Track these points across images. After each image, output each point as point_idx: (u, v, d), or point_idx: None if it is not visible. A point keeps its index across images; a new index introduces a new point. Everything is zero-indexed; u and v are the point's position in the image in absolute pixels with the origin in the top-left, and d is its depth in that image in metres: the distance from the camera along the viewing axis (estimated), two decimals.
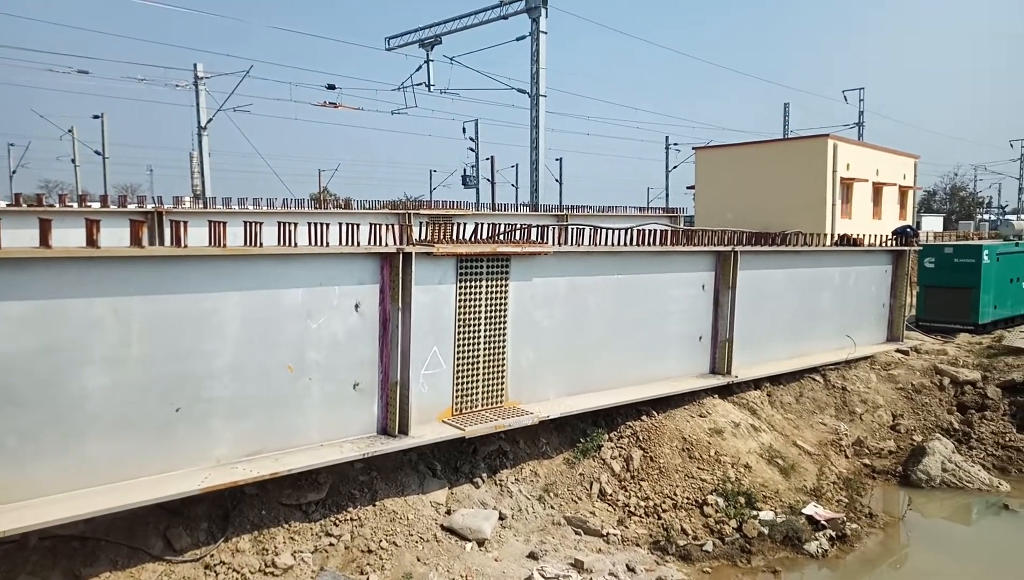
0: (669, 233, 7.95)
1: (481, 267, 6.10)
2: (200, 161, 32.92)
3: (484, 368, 6.24)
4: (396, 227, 5.84)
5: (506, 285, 6.29)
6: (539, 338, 6.61)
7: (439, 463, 6.27)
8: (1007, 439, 9.05)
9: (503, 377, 6.37)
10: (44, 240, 4.27)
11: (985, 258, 13.22)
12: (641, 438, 7.15)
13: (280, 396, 5.14)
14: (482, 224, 6.91)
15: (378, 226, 5.75)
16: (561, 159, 59.88)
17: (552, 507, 6.40)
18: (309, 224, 5.44)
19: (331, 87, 30.45)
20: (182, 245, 4.72)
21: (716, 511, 6.57)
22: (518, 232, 7.06)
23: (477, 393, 6.23)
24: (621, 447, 7.08)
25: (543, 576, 5.35)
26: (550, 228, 7.00)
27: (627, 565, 5.70)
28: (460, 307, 6.02)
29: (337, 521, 5.45)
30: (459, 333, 6.03)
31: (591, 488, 6.69)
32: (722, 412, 7.88)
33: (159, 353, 4.60)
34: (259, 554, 5.06)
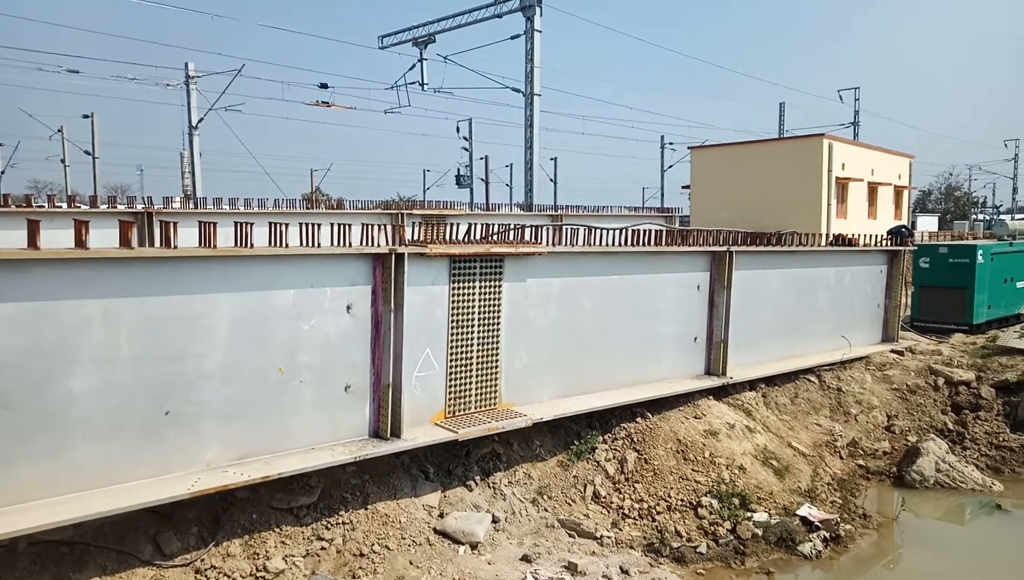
0: (664, 233, 7.92)
1: (474, 268, 6.07)
2: (191, 161, 32.79)
3: (477, 370, 6.20)
4: (388, 227, 5.79)
5: (500, 286, 6.25)
6: (533, 339, 6.58)
7: (432, 466, 6.23)
8: (1001, 439, 9.07)
9: (496, 379, 6.34)
10: (32, 241, 4.22)
11: (980, 258, 13.24)
12: (635, 440, 7.12)
13: (271, 398, 5.10)
14: (475, 224, 6.88)
15: (370, 226, 5.70)
16: (556, 159, 59.98)
17: (546, 509, 6.37)
18: (300, 224, 5.39)
19: (324, 86, 30.42)
20: (172, 246, 4.67)
21: (710, 513, 6.55)
22: (512, 232, 7.03)
23: (470, 395, 6.19)
24: (615, 449, 7.05)
25: (536, 579, 5.32)
26: (544, 228, 6.97)
27: (621, 567, 5.67)
28: (453, 308, 5.98)
29: (329, 525, 5.41)
30: (452, 335, 6.00)
31: (585, 490, 6.67)
32: (717, 413, 7.86)
33: (149, 355, 4.55)
34: (250, 558, 5.02)
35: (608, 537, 6.15)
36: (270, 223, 5.19)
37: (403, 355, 5.63)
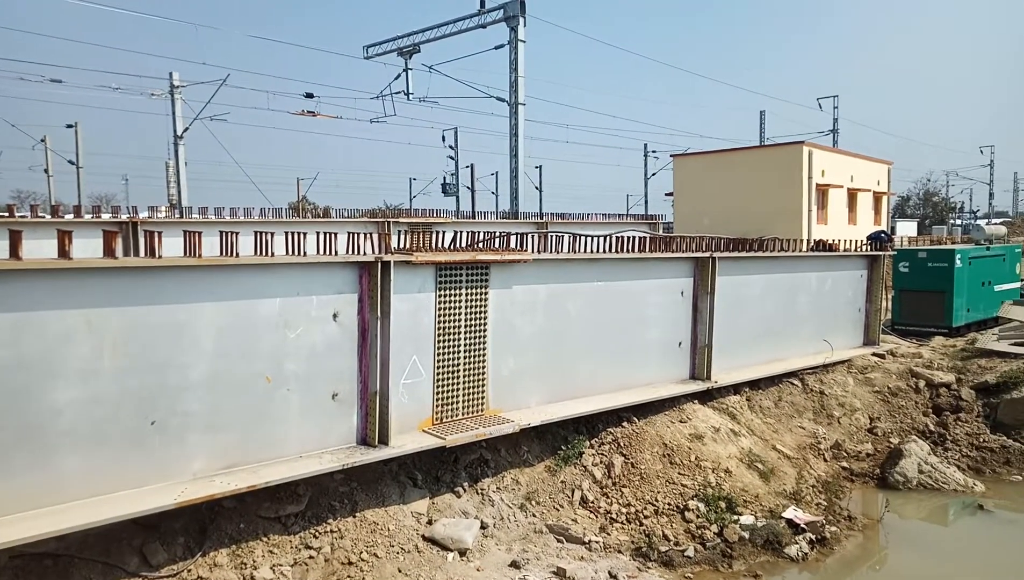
0: (648, 240, 7.99)
1: (461, 275, 6.09)
2: (176, 170, 32.60)
3: (464, 377, 6.22)
4: (375, 236, 5.81)
5: (486, 293, 6.28)
6: (519, 346, 6.61)
7: (420, 473, 6.23)
8: (981, 440, 9.20)
9: (484, 385, 6.35)
10: (15, 252, 4.19)
11: (958, 262, 13.47)
12: (622, 444, 7.16)
13: (258, 407, 5.08)
14: (462, 232, 6.91)
15: (357, 235, 5.72)
16: (541, 167, 60.28)
17: (534, 515, 6.38)
18: (286, 233, 5.40)
19: (309, 96, 30.37)
20: (156, 255, 4.66)
21: (697, 516, 6.59)
22: (498, 240, 7.06)
23: (458, 402, 6.20)
24: (602, 454, 7.08)
25: None
26: (530, 236, 7.01)
27: (609, 572, 5.69)
28: (440, 316, 6.00)
29: (317, 533, 5.39)
30: (439, 342, 6.01)
31: (573, 495, 6.69)
32: (702, 417, 7.92)
33: (134, 365, 4.53)
34: (237, 568, 4.99)
35: (596, 542, 6.18)
36: (256, 232, 5.19)
37: (390, 362, 5.64)
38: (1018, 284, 16.08)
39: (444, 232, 6.84)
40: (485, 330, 6.30)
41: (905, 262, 14.02)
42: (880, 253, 10.87)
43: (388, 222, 13.51)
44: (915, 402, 10.11)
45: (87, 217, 11.38)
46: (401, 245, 6.15)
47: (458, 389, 6.19)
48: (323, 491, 5.63)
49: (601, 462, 7.01)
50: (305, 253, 5.34)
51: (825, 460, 8.57)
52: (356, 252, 5.59)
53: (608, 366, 7.40)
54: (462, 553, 5.68)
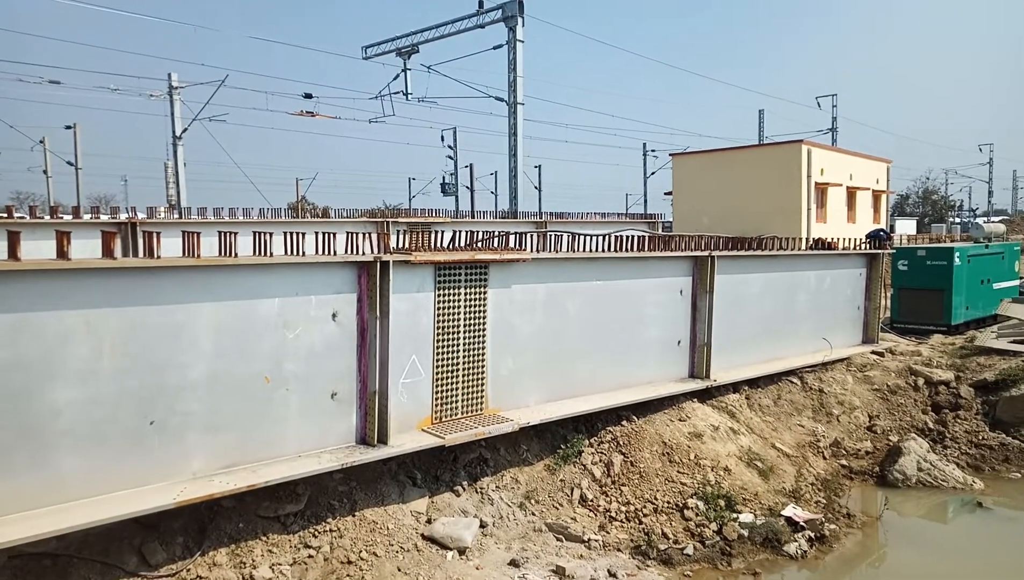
0: (647, 239, 8.00)
1: (459, 275, 6.10)
2: (175, 171, 32.61)
3: (464, 376, 6.22)
4: (374, 235, 5.81)
5: (485, 292, 6.29)
6: (518, 345, 6.61)
7: (419, 472, 6.23)
8: (980, 438, 9.21)
9: (483, 384, 6.36)
10: (13, 252, 4.20)
11: (956, 260, 13.46)
12: (621, 443, 7.17)
13: (257, 407, 5.08)
14: (461, 232, 6.92)
15: (355, 235, 5.72)
16: (540, 166, 60.29)
17: (533, 514, 6.39)
18: (285, 233, 5.40)
19: (308, 96, 30.38)
20: (155, 256, 4.67)
21: (696, 514, 6.60)
22: (497, 239, 7.07)
23: (457, 401, 6.21)
24: (602, 452, 7.09)
25: None
26: (529, 235, 7.02)
27: (609, 570, 5.70)
28: (439, 315, 6.00)
29: (316, 532, 5.40)
30: (438, 341, 6.02)
31: (572, 494, 6.69)
32: (701, 416, 7.93)
33: (132, 366, 4.53)
34: (236, 568, 4.99)
35: (596, 540, 6.18)
36: (254, 232, 5.19)
37: (389, 362, 5.64)
38: (1017, 282, 16.08)
39: (443, 232, 6.85)
40: (484, 329, 6.30)
41: (904, 260, 14.02)
42: (879, 251, 10.88)
43: (387, 222, 13.51)
44: (914, 400, 10.12)
45: (86, 218, 11.39)
46: (400, 245, 6.15)
47: (457, 388, 6.19)
48: (322, 490, 5.63)
49: (600, 461, 7.01)
50: (304, 253, 5.34)
51: (824, 458, 8.58)
52: (355, 252, 5.59)
53: (607, 365, 7.40)
54: (461, 552, 5.69)
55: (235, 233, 5.19)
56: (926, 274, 13.67)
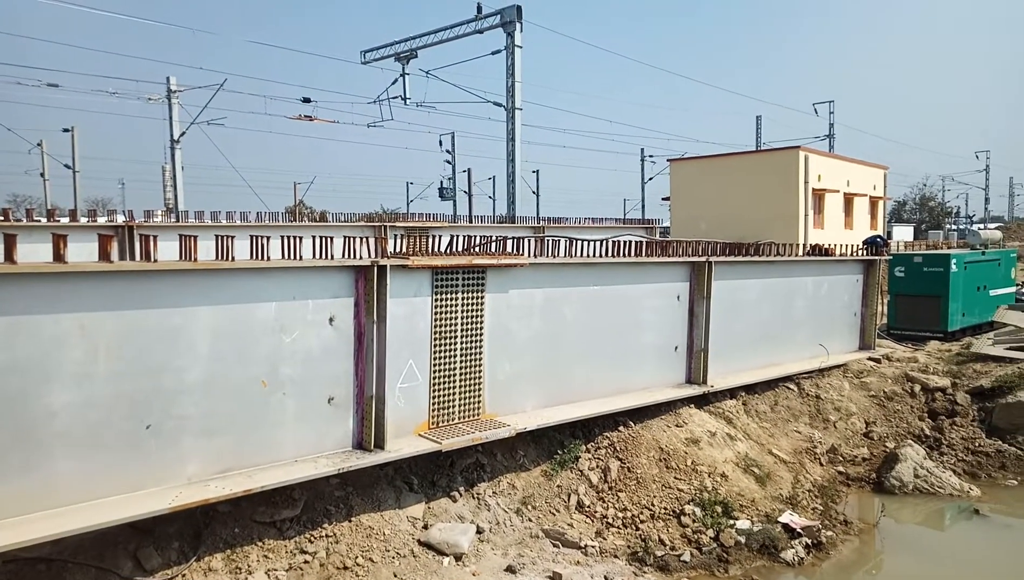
0: (644, 244, 8.00)
1: (457, 279, 6.09)
2: (173, 174, 32.58)
3: (461, 381, 6.22)
4: (371, 240, 5.81)
5: (482, 297, 6.28)
6: (516, 350, 6.61)
7: (416, 477, 6.22)
8: (977, 444, 9.21)
9: (480, 389, 6.35)
10: (9, 255, 4.19)
11: (953, 267, 13.51)
12: (618, 449, 7.16)
13: (253, 412, 5.07)
14: (458, 236, 6.91)
15: (353, 239, 5.72)
16: (538, 171, 60.32)
17: (530, 520, 6.37)
18: (282, 237, 5.39)
19: (306, 100, 30.37)
20: (152, 259, 4.66)
21: (693, 521, 6.59)
22: (494, 244, 7.07)
23: (454, 406, 6.20)
24: (599, 458, 7.08)
25: None
26: (527, 240, 7.02)
27: (605, 577, 5.69)
28: (436, 320, 6.00)
29: (312, 538, 5.38)
30: (435, 346, 6.01)
31: (569, 500, 6.68)
32: (698, 422, 7.92)
33: (129, 369, 4.52)
34: (232, 573, 4.97)
35: (592, 546, 6.17)
36: (252, 236, 5.18)
37: (386, 367, 5.63)
38: (1013, 289, 16.13)
39: (441, 236, 6.84)
40: (481, 334, 6.30)
41: (901, 267, 14.06)
42: (876, 258, 10.90)
43: (385, 226, 13.50)
44: (911, 406, 10.12)
45: (83, 221, 11.37)
46: (397, 249, 6.15)
47: (454, 393, 6.18)
48: (319, 495, 5.62)
49: (597, 466, 7.00)
50: (301, 257, 5.34)
51: (821, 464, 8.58)
52: (352, 256, 5.59)
53: (604, 370, 7.40)
54: (458, 558, 5.67)
55: (232, 237, 5.17)
56: (923, 281, 13.71)
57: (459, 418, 6.23)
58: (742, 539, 6.49)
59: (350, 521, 5.59)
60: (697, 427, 7.80)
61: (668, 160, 34.34)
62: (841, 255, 10.42)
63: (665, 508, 6.69)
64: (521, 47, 23.55)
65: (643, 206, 58.92)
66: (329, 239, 5.54)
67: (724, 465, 7.38)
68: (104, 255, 4.45)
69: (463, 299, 6.15)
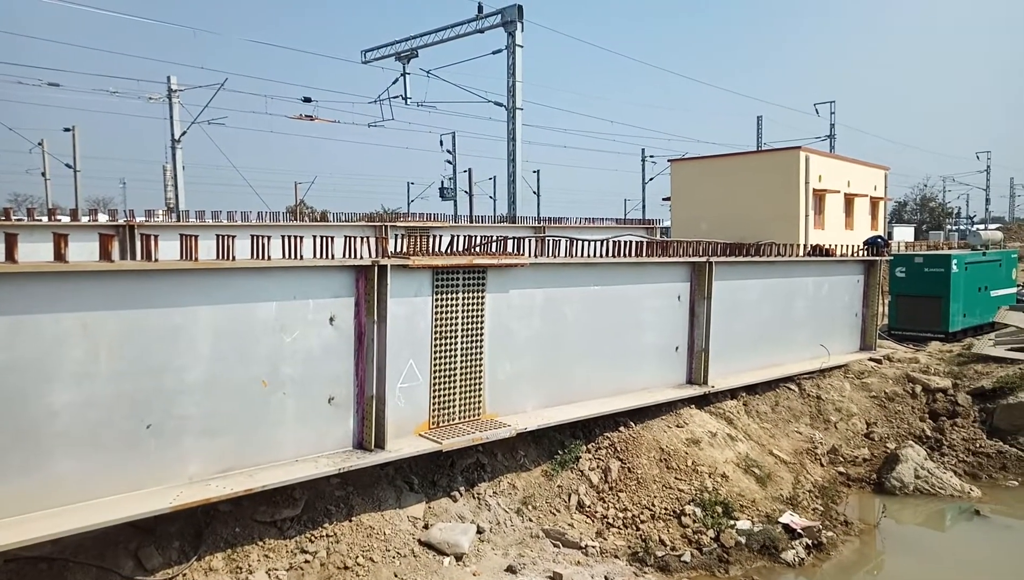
0: (645, 244, 8.00)
1: (457, 279, 6.09)
2: (174, 174, 32.59)
3: (461, 381, 6.21)
4: (372, 240, 5.81)
5: (483, 297, 6.28)
6: (516, 350, 6.61)
7: (416, 477, 6.22)
8: (978, 445, 9.20)
9: (480, 389, 6.35)
10: (11, 255, 4.19)
11: (954, 268, 13.50)
12: (619, 449, 7.16)
13: (254, 411, 5.07)
14: (459, 236, 6.91)
15: (353, 239, 5.72)
16: (539, 171, 60.32)
17: (530, 520, 6.37)
18: (283, 237, 5.39)
19: (307, 100, 30.38)
20: (153, 259, 4.66)
21: (694, 521, 6.59)
22: (495, 244, 7.07)
23: (454, 406, 6.20)
24: (599, 458, 7.08)
25: None
26: (527, 240, 7.02)
27: (606, 577, 5.69)
28: (437, 320, 5.99)
29: (313, 537, 5.38)
30: (436, 346, 6.01)
31: (569, 500, 6.68)
32: (699, 422, 7.92)
33: (129, 369, 4.52)
34: (233, 572, 4.97)
35: (593, 547, 6.17)
36: (252, 236, 5.18)
37: (387, 366, 5.63)
38: (1014, 289, 16.12)
39: (441, 236, 6.84)
40: (482, 334, 6.30)
41: (902, 267, 14.05)
42: (877, 258, 10.90)
43: (385, 226, 13.50)
44: (912, 407, 10.12)
45: (84, 220, 11.37)
46: (398, 249, 6.15)
47: (455, 393, 6.18)
48: (319, 495, 5.62)
49: (598, 467, 7.00)
50: (302, 257, 5.34)
51: (822, 465, 8.57)
52: (353, 256, 5.59)
53: (605, 370, 7.40)
54: (458, 558, 5.67)
55: (233, 236, 5.17)
56: (924, 281, 13.70)
57: (459, 418, 6.23)
58: (742, 539, 6.48)
59: (351, 521, 5.59)
60: (698, 427, 7.79)
61: (669, 160, 34.34)
62: (842, 256, 10.41)
63: (666, 508, 6.69)
64: (522, 47, 23.54)
65: (644, 206, 58.93)
66: (330, 239, 5.54)
67: (725, 465, 7.38)
68: (105, 254, 4.45)
69: (464, 299, 6.15)
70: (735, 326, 8.67)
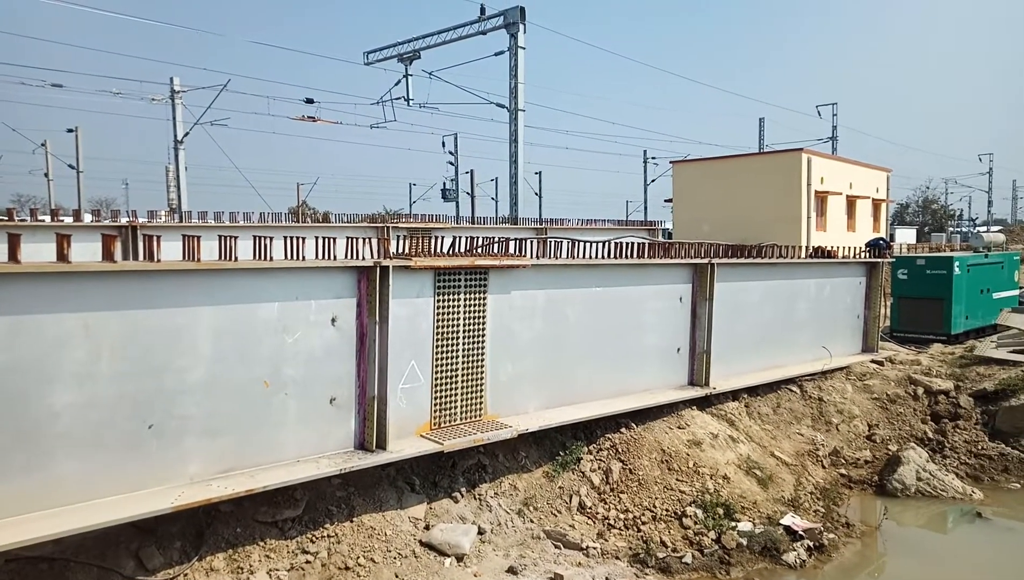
0: (647, 246, 8.00)
1: (459, 280, 6.10)
2: (176, 175, 32.63)
3: (463, 382, 6.22)
4: (374, 240, 5.82)
5: (484, 298, 6.28)
6: (518, 351, 6.61)
7: (418, 478, 6.22)
8: (980, 448, 9.19)
9: (482, 390, 6.35)
10: (13, 255, 4.20)
11: (956, 270, 13.47)
12: (620, 450, 7.15)
13: (255, 412, 5.08)
14: (461, 237, 6.91)
15: (355, 240, 5.73)
16: (540, 173, 60.24)
17: (531, 521, 6.37)
18: (285, 238, 5.40)
19: (309, 101, 30.41)
20: (155, 259, 4.67)
21: (695, 523, 6.58)
22: (497, 245, 7.07)
23: (456, 407, 6.20)
24: (600, 459, 7.07)
25: None
26: (529, 241, 7.02)
27: (607, 578, 5.68)
28: (438, 321, 6.00)
29: (314, 538, 5.38)
30: (437, 347, 6.01)
31: (571, 501, 6.68)
32: (700, 423, 7.91)
33: (131, 369, 4.53)
34: (234, 573, 4.97)
35: (594, 548, 6.16)
36: (255, 236, 5.20)
37: (388, 367, 5.64)
38: (1016, 292, 16.08)
39: (443, 237, 6.84)
40: (483, 335, 6.30)
41: (904, 269, 14.02)
42: (879, 260, 10.89)
43: (387, 227, 13.52)
44: (914, 409, 10.10)
45: (87, 221, 11.40)
46: (400, 250, 6.16)
47: (456, 394, 6.19)
48: (320, 496, 5.62)
49: (599, 468, 7.00)
50: (304, 258, 5.35)
51: (823, 467, 8.56)
52: (355, 257, 5.60)
53: (606, 372, 7.40)
54: (459, 559, 5.67)
55: (235, 237, 5.19)
56: (926, 283, 13.67)
57: (461, 419, 6.23)
58: (744, 541, 6.48)
59: (352, 521, 5.59)
60: (699, 429, 7.79)
61: (671, 162, 34.32)
62: (844, 257, 10.41)
63: (667, 510, 6.68)
64: (524, 48, 23.56)
65: (645, 208, 58.91)
66: (332, 240, 5.55)
67: (726, 467, 7.37)
68: (108, 255, 4.46)
69: (465, 300, 6.15)
70: (737, 328, 8.67)
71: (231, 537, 5.14)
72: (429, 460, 6.21)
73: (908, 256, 15.28)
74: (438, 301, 5.98)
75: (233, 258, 5.01)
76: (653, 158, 56.99)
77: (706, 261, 8.11)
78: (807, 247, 10.32)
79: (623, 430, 7.34)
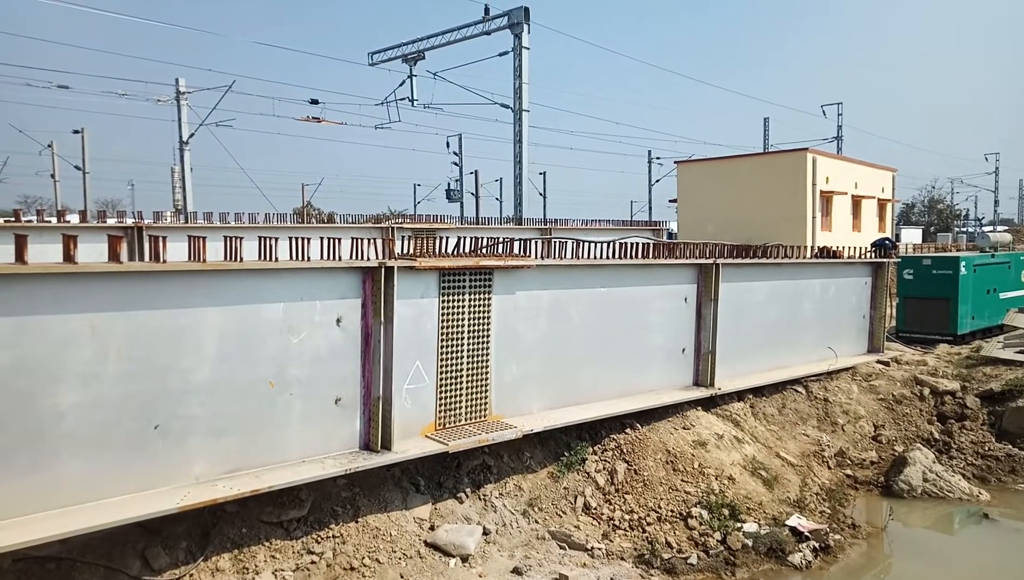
0: (651, 246, 7.99)
1: (464, 281, 6.10)
2: (182, 176, 32.74)
3: (467, 382, 6.22)
4: (378, 241, 5.82)
5: (489, 299, 6.28)
6: (522, 351, 6.61)
7: (422, 478, 6.22)
8: (986, 448, 9.15)
9: (487, 391, 6.35)
10: (20, 255, 4.21)
11: (962, 270, 13.41)
12: (625, 451, 7.14)
13: (261, 412, 5.09)
14: (465, 238, 6.91)
15: (360, 240, 5.73)
16: (545, 173, 60.25)
17: (536, 521, 6.37)
18: (290, 238, 5.41)
19: (314, 102, 30.46)
20: (161, 260, 4.68)
21: (700, 524, 6.57)
22: (501, 246, 7.06)
23: (461, 407, 6.20)
24: (605, 460, 7.07)
25: None
26: (533, 242, 7.01)
27: (612, 579, 5.67)
28: (443, 321, 6.00)
29: (319, 538, 5.39)
30: (442, 347, 6.01)
31: (575, 502, 6.67)
32: (705, 424, 7.90)
33: (137, 369, 4.54)
34: (239, 573, 4.98)
35: (599, 549, 6.16)
36: (260, 237, 5.21)
37: (393, 368, 5.64)
38: (1023, 292, 16.01)
39: (448, 238, 6.84)
40: (488, 336, 6.30)
41: (909, 269, 13.97)
42: (884, 260, 10.85)
43: (392, 228, 13.53)
44: (920, 410, 10.06)
45: (93, 222, 11.43)
46: (405, 250, 6.16)
47: (461, 395, 6.19)
48: (326, 496, 5.63)
49: (604, 468, 6.99)
50: (309, 258, 5.35)
51: (829, 468, 8.53)
52: (360, 257, 5.60)
53: (611, 372, 7.39)
54: (464, 559, 5.67)
55: (241, 238, 5.19)
56: (932, 283, 13.62)
57: (466, 419, 6.23)
58: (749, 542, 6.46)
59: (357, 522, 5.60)
60: (704, 429, 7.77)
61: (675, 162, 34.30)
62: (849, 257, 10.37)
63: (672, 510, 6.67)
64: (528, 48, 23.57)
65: (650, 208, 58.90)
66: (336, 240, 5.56)
67: (731, 468, 7.35)
68: (114, 256, 4.48)
69: (470, 300, 6.15)
70: (742, 328, 8.65)
71: (236, 537, 5.15)
72: (434, 460, 6.21)
73: (914, 256, 15.23)
74: (443, 301, 5.98)
75: (239, 259, 5.02)
76: (657, 158, 56.94)
77: (711, 261, 8.09)
78: (812, 247, 10.29)
79: (628, 431, 7.33)
